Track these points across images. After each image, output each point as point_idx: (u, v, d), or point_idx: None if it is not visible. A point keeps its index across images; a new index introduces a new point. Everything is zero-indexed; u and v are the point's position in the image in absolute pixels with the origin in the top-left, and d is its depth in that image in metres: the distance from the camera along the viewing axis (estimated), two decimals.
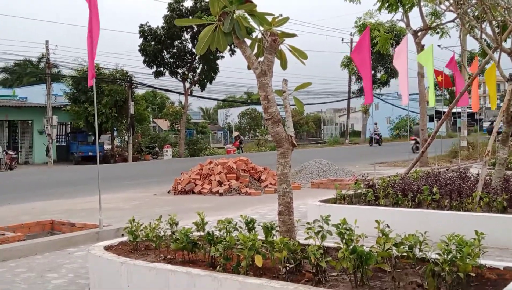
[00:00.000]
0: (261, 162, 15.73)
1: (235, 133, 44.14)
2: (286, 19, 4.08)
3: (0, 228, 7.23)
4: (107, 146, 37.55)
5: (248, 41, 4.16)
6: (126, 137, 35.18)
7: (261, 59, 4.10)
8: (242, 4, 3.85)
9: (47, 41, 32.50)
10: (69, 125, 37.75)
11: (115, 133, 37.27)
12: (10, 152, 29.22)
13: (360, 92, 48.10)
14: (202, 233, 4.28)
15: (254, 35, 4.31)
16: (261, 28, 4.02)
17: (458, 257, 3.21)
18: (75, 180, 18.50)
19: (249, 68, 4.11)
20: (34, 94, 39.87)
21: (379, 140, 41.35)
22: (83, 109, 32.30)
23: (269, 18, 4.01)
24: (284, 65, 4.31)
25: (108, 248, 4.67)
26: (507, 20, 7.03)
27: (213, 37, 4.01)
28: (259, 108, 57.01)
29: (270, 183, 12.85)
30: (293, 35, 4.15)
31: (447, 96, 46.66)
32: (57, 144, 35.43)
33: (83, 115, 32.56)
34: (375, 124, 43.71)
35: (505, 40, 7.99)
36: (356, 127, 63.39)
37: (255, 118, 59.40)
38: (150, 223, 4.65)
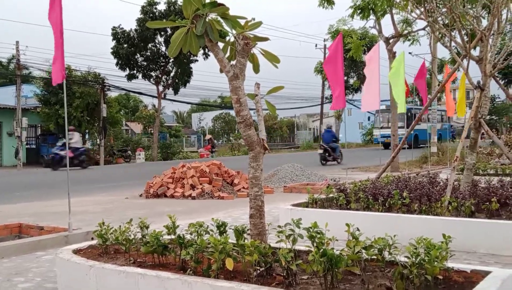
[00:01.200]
0: (234, 166, 15.71)
1: (208, 136, 44.05)
2: (259, 23, 4.09)
3: None
4: None
5: (221, 44, 4.16)
6: (98, 140, 34.77)
7: (233, 62, 4.10)
8: (215, 7, 3.85)
9: (17, 42, 31.97)
10: (39, 127, 37.13)
11: (87, 136, 36.79)
12: None
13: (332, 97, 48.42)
14: (173, 237, 4.25)
15: (227, 38, 4.31)
16: (234, 32, 4.03)
17: (426, 260, 3.26)
18: (45, 183, 18.18)
19: (221, 71, 4.10)
20: (4, 96, 39.07)
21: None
22: (53, 111, 31.83)
23: (242, 22, 4.02)
24: (256, 69, 4.31)
25: (76, 252, 4.60)
26: (475, 28, 7.18)
27: (185, 39, 4.00)
28: (233, 113, 56.92)
29: (243, 187, 12.85)
30: (265, 39, 4.17)
31: (418, 103, 47.35)
32: (27, 146, 34.80)
33: (53, 118, 32.09)
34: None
35: (474, 48, 8.16)
36: None
37: (229, 122, 59.41)
38: (120, 226, 4.59)
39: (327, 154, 23.34)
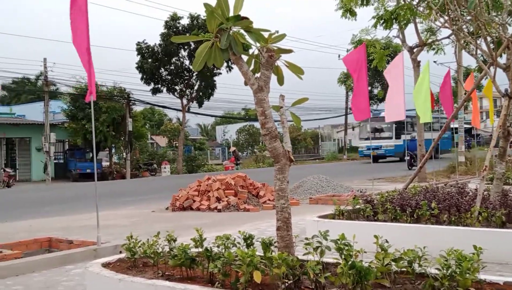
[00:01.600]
0: (259, 178, 15.70)
1: (232, 149, 44.12)
2: (283, 35, 4.11)
3: None
4: (105, 163, 37.53)
5: (245, 57, 4.18)
6: (124, 154, 35.18)
7: (257, 75, 4.12)
8: (238, 20, 3.88)
9: (45, 59, 32.62)
10: (67, 142, 37.75)
11: (113, 150, 37.26)
12: (7, 169, 29.21)
13: None
14: (200, 249, 4.26)
15: (250, 51, 4.34)
16: (258, 44, 4.05)
17: (458, 272, 3.21)
18: (73, 197, 18.44)
19: (246, 84, 4.12)
20: (32, 112, 39.89)
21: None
22: (80, 126, 32.34)
23: (266, 35, 4.04)
24: (280, 81, 4.33)
25: (106, 265, 4.64)
26: (501, 36, 7.08)
27: (209, 53, 4.03)
28: (257, 124, 57.07)
29: (269, 199, 12.82)
30: (289, 51, 4.18)
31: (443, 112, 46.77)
32: (55, 161, 35.39)
33: (80, 132, 32.60)
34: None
35: (500, 56, 8.04)
36: (354, 142, 63.46)
37: (253, 134, 59.45)
38: (148, 239, 4.63)
39: (412, 160, 26.71)
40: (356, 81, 12.36)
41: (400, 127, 35.06)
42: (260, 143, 53.90)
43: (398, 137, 36.11)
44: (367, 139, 37.00)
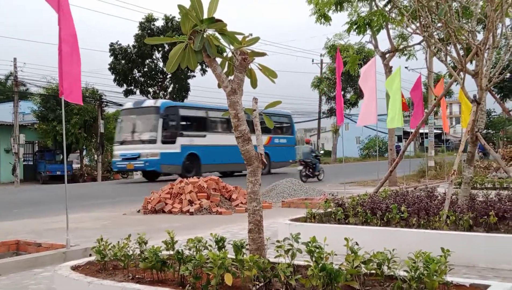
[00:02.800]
0: (232, 182, 15.70)
1: None
2: (257, 38, 4.13)
3: None
4: (75, 165, 37.01)
5: (219, 60, 4.19)
6: (96, 156, 34.75)
7: (231, 77, 4.13)
8: (212, 23, 3.89)
9: (15, 59, 32.11)
10: (36, 144, 37.11)
11: (84, 152, 36.76)
12: None
13: (330, 112, 48.67)
14: (171, 252, 4.25)
15: (224, 54, 4.35)
16: (231, 47, 4.06)
17: (425, 274, 3.26)
18: (42, 199, 18.12)
19: (219, 86, 4.13)
20: (1, 112, 39.13)
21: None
22: (51, 127, 31.86)
23: (240, 37, 4.06)
24: (254, 84, 4.34)
25: (75, 268, 4.58)
26: (470, 42, 7.24)
27: (183, 55, 4.03)
28: None
29: (241, 202, 12.82)
30: (262, 54, 4.20)
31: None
32: (24, 163, 34.75)
33: (51, 134, 32.12)
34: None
35: (470, 62, 8.23)
36: (326, 146, 64.00)
37: None
38: (118, 242, 4.58)
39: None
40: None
41: (173, 124, 23.65)
42: None
43: (169, 139, 23.46)
44: (123, 143, 24.76)
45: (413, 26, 8.66)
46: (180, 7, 3.85)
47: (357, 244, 3.64)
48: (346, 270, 3.40)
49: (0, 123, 34.58)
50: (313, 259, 3.50)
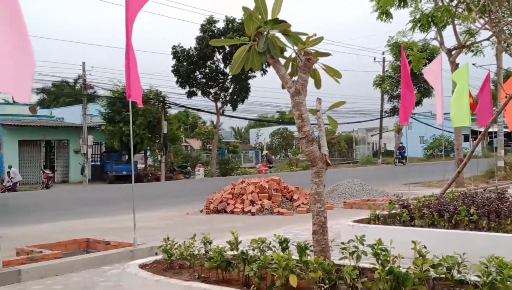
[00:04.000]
0: (293, 182, 15.66)
1: (264, 152, 44.01)
2: (321, 38, 4.10)
3: (37, 246, 7.37)
4: (140, 165, 38.03)
5: (282, 61, 4.18)
6: (159, 156, 35.58)
7: (295, 78, 4.12)
8: (276, 24, 3.89)
9: (83, 63, 33.31)
10: (103, 145, 38.42)
11: (148, 153, 37.73)
12: (47, 171, 29.92)
13: (393, 111, 47.65)
14: (236, 252, 4.28)
15: (287, 54, 4.34)
16: (295, 48, 4.05)
17: (499, 280, 3.13)
18: (109, 199, 18.74)
19: (283, 87, 4.13)
20: (70, 115, 40.77)
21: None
22: (117, 129, 32.86)
23: (303, 38, 4.03)
24: (318, 84, 4.31)
25: (143, 266, 4.70)
26: None
27: (247, 56, 4.05)
28: (290, 128, 56.87)
29: (303, 203, 12.78)
30: (327, 54, 4.16)
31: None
32: (92, 163, 36.04)
33: (117, 135, 33.12)
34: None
35: None
36: (388, 146, 62.69)
37: (287, 137, 59.30)
38: (184, 241, 4.67)
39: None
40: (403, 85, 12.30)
41: None
42: (294, 147, 53.76)
43: None
44: None
45: (482, 21, 8.34)
46: (245, 8, 3.88)
47: (425, 247, 3.54)
48: (414, 274, 3.32)
49: (70, 125, 36.05)
50: (379, 262, 3.43)
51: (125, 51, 6.88)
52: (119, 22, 6.98)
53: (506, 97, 11.39)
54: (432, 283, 3.42)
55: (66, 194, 23.27)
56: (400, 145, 42.61)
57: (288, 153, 52.70)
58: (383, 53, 46.38)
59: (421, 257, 3.45)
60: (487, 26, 7.86)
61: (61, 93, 55.06)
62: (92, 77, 37.75)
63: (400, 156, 41.56)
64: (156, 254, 5.86)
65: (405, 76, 11.79)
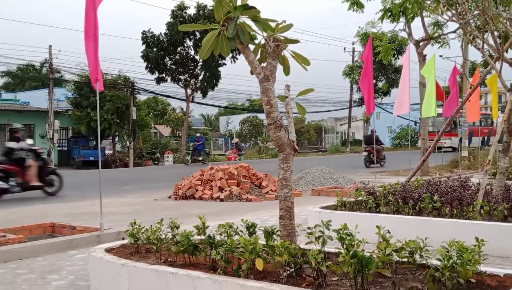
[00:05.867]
0: (262, 169, 15.74)
1: (234, 140, 44.05)
2: (290, 25, 4.11)
3: (1, 230, 7.25)
4: (108, 151, 37.61)
5: (252, 47, 4.19)
6: (128, 142, 35.25)
7: (264, 64, 4.13)
8: (246, 10, 3.89)
9: (50, 46, 32.65)
10: (70, 130, 37.83)
11: (117, 139, 37.32)
12: None
13: (361, 101, 48.12)
14: (203, 237, 4.30)
15: (256, 41, 4.34)
16: (265, 34, 4.06)
17: (459, 263, 3.22)
18: (76, 184, 18.50)
19: (252, 73, 4.14)
20: (36, 99, 39.96)
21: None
22: (85, 114, 32.39)
23: (273, 25, 4.05)
24: (286, 71, 4.34)
25: (109, 250, 4.69)
26: (508, 30, 7.07)
27: (216, 42, 4.05)
28: (260, 116, 57.01)
29: (271, 190, 12.86)
30: (296, 41, 4.19)
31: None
32: (58, 148, 35.49)
33: (85, 120, 32.66)
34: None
35: (507, 51, 8.03)
36: (357, 136, 63.47)
37: (256, 125, 59.47)
38: (151, 226, 4.66)
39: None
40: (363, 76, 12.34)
41: None
42: (263, 135, 53.91)
43: None
44: None
45: (449, 14, 8.48)
46: None
47: (388, 232, 3.62)
48: (378, 258, 3.39)
49: (35, 109, 35.34)
50: (344, 246, 3.49)
51: (85, 31, 6.75)
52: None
53: (470, 88, 11.65)
54: (395, 267, 3.51)
55: None
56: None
57: (258, 141, 52.85)
58: (353, 44, 46.80)
59: (384, 242, 3.53)
60: (454, 18, 8.00)
61: (26, 77, 53.86)
62: (59, 61, 36.99)
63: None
64: (123, 239, 5.84)
65: (367, 66, 11.91)
